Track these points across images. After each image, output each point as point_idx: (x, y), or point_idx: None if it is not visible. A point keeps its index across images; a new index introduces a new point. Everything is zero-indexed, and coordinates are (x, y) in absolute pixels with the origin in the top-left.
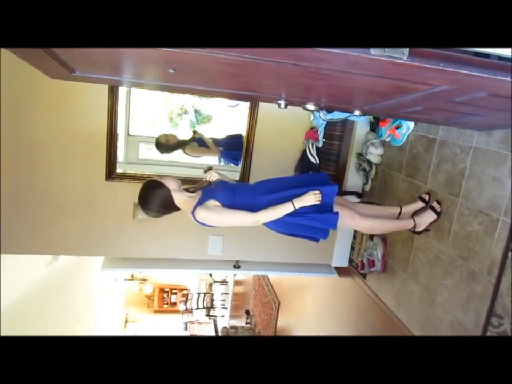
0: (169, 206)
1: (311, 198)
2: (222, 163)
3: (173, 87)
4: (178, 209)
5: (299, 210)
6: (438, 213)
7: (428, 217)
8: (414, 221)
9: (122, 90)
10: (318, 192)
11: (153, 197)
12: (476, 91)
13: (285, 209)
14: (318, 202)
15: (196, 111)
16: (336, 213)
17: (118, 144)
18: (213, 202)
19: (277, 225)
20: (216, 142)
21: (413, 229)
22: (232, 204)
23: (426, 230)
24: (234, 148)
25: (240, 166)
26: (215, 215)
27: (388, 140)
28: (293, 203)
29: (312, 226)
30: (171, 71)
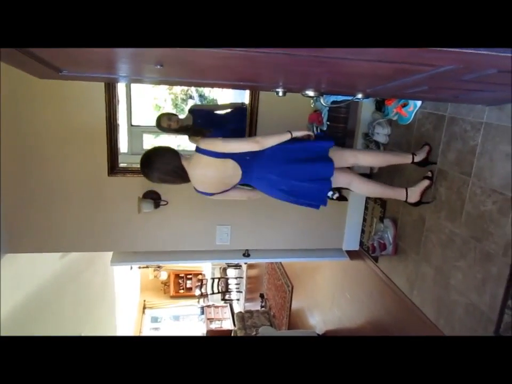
0: (175, 163)
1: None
2: None
3: (166, 81)
4: (183, 178)
5: (298, 157)
6: (430, 178)
7: (421, 185)
8: (407, 191)
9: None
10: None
11: (162, 155)
12: (484, 69)
13: (284, 136)
14: (311, 132)
15: (200, 96)
16: (331, 160)
17: (119, 138)
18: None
19: (278, 183)
20: (220, 117)
21: (406, 200)
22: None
23: (426, 202)
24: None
25: None
26: (220, 141)
27: (394, 118)
28: (290, 132)
29: (309, 180)
30: (158, 67)
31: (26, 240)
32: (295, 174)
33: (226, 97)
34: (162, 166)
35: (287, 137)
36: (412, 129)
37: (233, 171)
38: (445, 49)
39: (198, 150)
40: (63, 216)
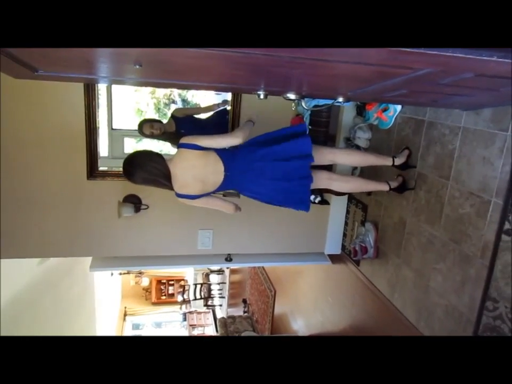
0: (160, 161)
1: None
2: None
3: (147, 82)
4: (166, 178)
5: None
6: (408, 148)
7: (403, 153)
8: (388, 183)
9: (101, 85)
10: None
11: (147, 155)
12: (461, 72)
13: (249, 123)
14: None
15: (183, 100)
16: (308, 136)
17: (99, 141)
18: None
19: (262, 171)
20: (203, 122)
21: (390, 187)
22: None
23: (410, 188)
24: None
25: None
26: (200, 136)
27: (375, 123)
28: (250, 120)
29: (292, 158)
30: (137, 66)
31: (2, 246)
32: (276, 153)
33: (209, 102)
34: (147, 164)
35: (251, 124)
36: (392, 134)
37: (214, 166)
38: (422, 51)
39: (181, 145)
40: (41, 221)
